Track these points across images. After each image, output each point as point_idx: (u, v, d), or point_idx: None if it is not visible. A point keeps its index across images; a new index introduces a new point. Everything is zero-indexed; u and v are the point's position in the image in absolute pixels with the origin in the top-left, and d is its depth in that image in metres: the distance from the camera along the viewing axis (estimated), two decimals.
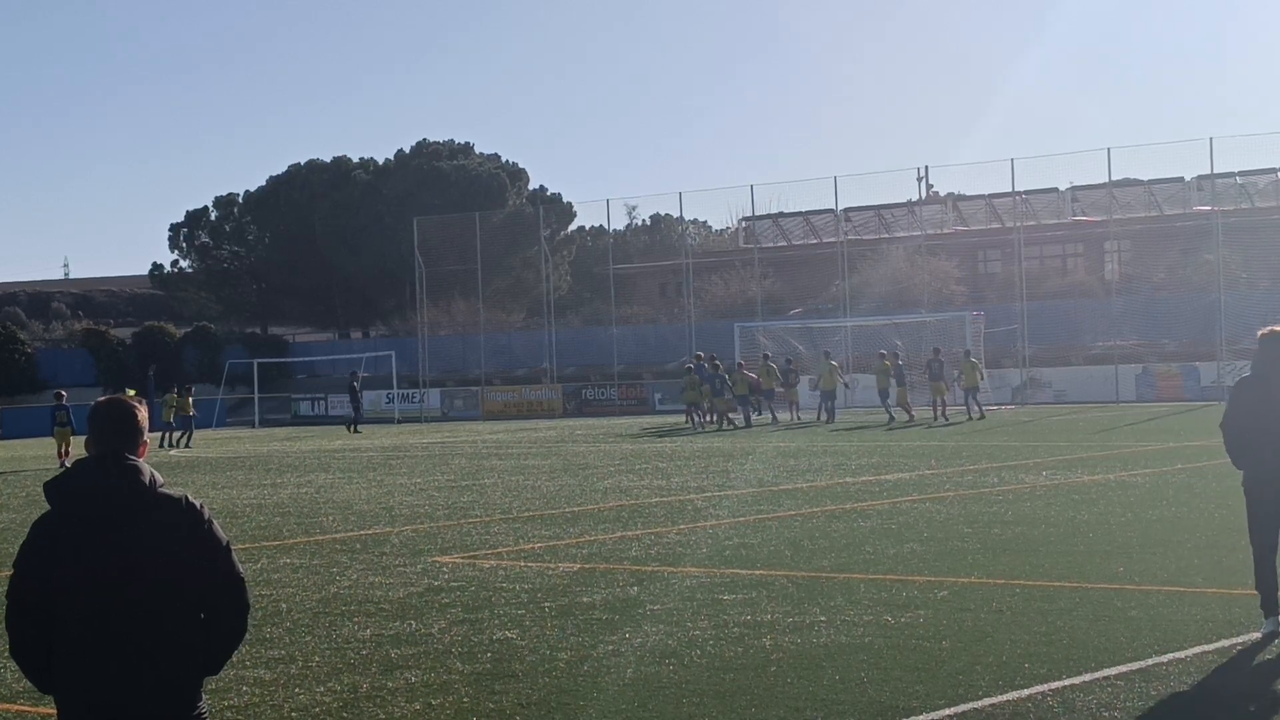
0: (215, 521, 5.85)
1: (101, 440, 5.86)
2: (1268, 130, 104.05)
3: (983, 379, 53.39)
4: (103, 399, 6.04)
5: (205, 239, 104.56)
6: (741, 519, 21.61)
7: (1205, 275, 66.19)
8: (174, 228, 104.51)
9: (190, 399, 54.61)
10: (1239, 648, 11.28)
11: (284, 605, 14.96)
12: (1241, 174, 72.14)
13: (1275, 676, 10.34)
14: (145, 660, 5.68)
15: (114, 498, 5.70)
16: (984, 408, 52.59)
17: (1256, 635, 11.63)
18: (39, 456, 47.04)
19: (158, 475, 5.82)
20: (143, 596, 5.66)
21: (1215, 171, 66.20)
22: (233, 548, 5.89)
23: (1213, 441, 35.07)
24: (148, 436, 5.99)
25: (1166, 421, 45.78)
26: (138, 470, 5.77)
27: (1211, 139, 63.85)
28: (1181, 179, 74.53)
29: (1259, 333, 12.22)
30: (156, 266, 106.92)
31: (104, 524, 5.68)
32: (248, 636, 12.95)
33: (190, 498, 5.83)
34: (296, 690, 11.08)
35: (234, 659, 12.07)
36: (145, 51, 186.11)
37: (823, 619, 13.04)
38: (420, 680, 11.22)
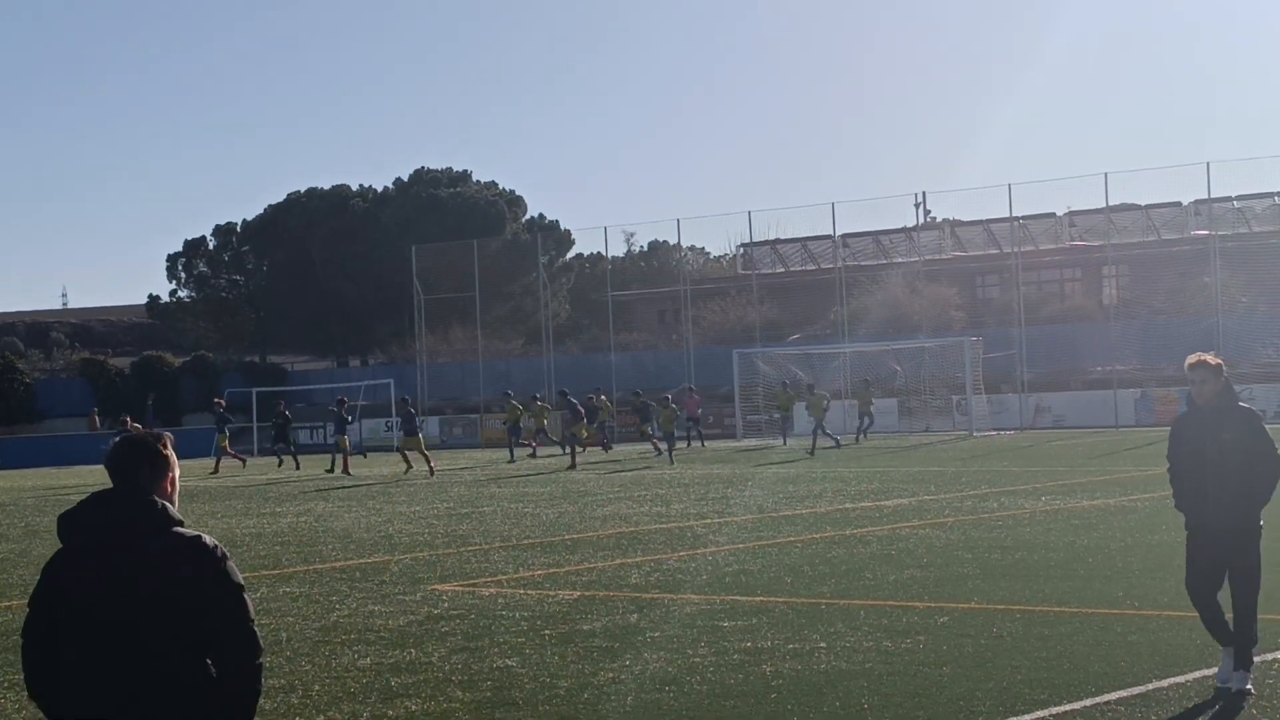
0: (231, 565, 5.79)
1: (117, 475, 5.85)
2: (1265, 155, 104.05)
3: (826, 410, 52.97)
4: (124, 436, 6.02)
5: (203, 268, 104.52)
6: (741, 545, 21.59)
7: (1203, 299, 66.27)
8: (172, 257, 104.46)
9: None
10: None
11: (284, 634, 14.94)
12: (1239, 198, 72.25)
13: (1275, 701, 10.34)
14: (142, 700, 5.64)
15: (120, 532, 5.68)
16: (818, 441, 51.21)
17: (1258, 659, 11.61)
18: (37, 488, 46.98)
19: (174, 513, 5.78)
20: (142, 633, 5.63)
21: (1212, 196, 66.31)
22: (249, 599, 5.84)
23: None
24: (175, 473, 5.94)
25: (1165, 446, 45.68)
26: (150, 505, 5.74)
27: (1209, 164, 63.95)
28: (1179, 203, 74.65)
29: (1187, 361, 11.41)
30: (154, 296, 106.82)
31: (108, 558, 5.66)
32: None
33: (206, 538, 5.75)
34: (296, 719, 11.06)
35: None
36: (143, 80, 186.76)
37: (823, 645, 13.03)
38: (420, 709, 11.20)
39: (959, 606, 14.91)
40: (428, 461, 46.38)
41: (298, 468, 52.41)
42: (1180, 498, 11.40)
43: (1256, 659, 11.19)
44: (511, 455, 54.49)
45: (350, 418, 51.45)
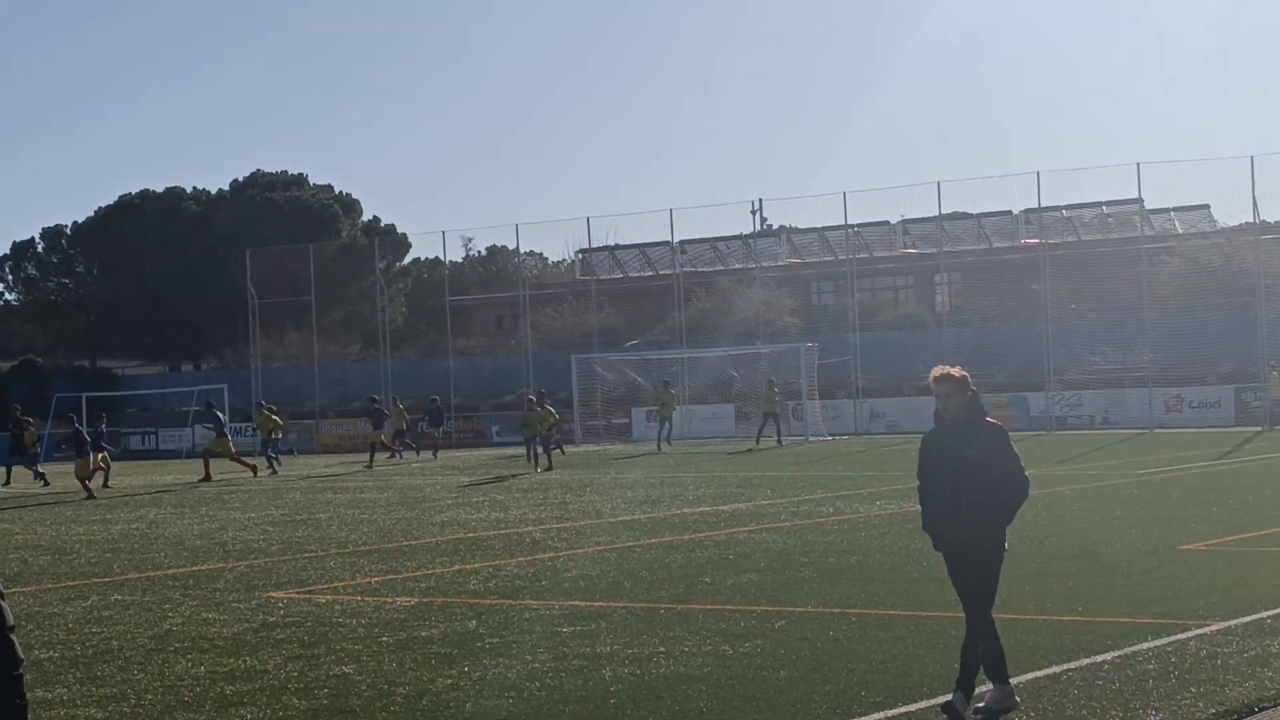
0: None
1: None
2: (1093, 165, 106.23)
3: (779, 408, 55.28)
4: None
5: (32, 271, 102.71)
6: (580, 550, 21.60)
7: (1033, 306, 67.43)
8: None
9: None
10: (1070, 674, 11.46)
11: (115, 642, 14.71)
12: (1068, 208, 73.53)
13: (1107, 703, 10.52)
14: None
15: None
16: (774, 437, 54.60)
17: (1087, 661, 11.83)
18: None
19: None
20: None
21: (1042, 205, 67.45)
22: (15, 638, 5.66)
23: (1040, 471, 35.74)
24: None
25: None
26: None
27: (1039, 173, 65.03)
28: (1010, 212, 75.85)
29: (931, 374, 10.84)
30: None
31: None
32: (79, 674, 12.70)
33: None
34: None
35: (64, 696, 11.91)
36: None
37: (661, 650, 13.07)
38: (256, 717, 11.08)
39: (796, 610, 15.02)
40: (243, 464, 46.25)
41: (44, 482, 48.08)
42: (924, 517, 10.85)
43: (1088, 679, 11.35)
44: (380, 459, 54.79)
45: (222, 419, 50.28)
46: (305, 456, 65.84)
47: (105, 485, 44.16)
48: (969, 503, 10.43)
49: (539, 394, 48.53)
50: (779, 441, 54.86)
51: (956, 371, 10.66)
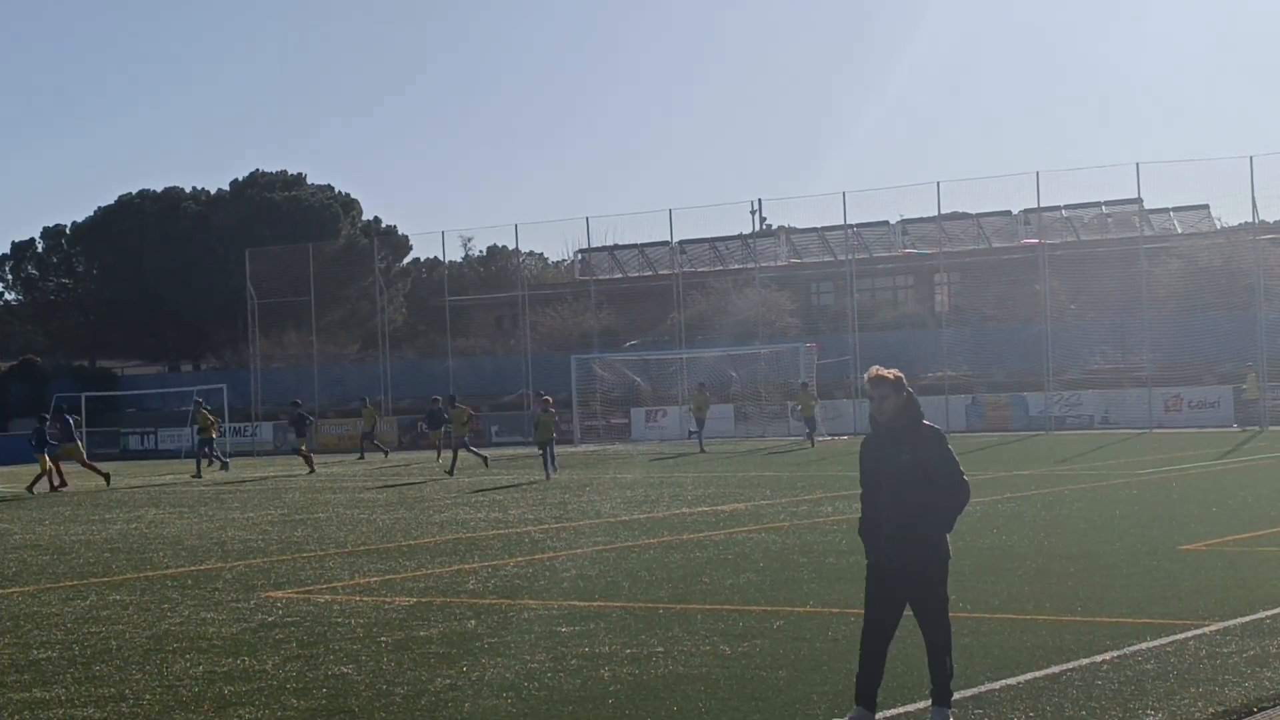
0: None
1: None
2: (1092, 165, 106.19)
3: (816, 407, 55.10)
4: None
5: (32, 270, 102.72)
6: (579, 550, 21.59)
7: (1032, 306, 67.45)
8: None
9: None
10: (1069, 674, 11.45)
11: (113, 642, 14.69)
12: (1067, 208, 73.60)
13: (1106, 703, 10.51)
14: None
15: None
16: (816, 438, 54.05)
17: (1086, 661, 11.81)
18: None
19: None
20: None
21: (1042, 205, 67.47)
22: None
23: (1040, 471, 35.75)
24: None
25: (995, 451, 46.49)
26: None
27: (1038, 173, 65.05)
28: (1009, 212, 75.91)
29: (865, 376, 10.35)
30: None
31: None
32: (77, 674, 12.68)
33: None
34: None
35: (63, 696, 11.90)
36: None
37: (660, 650, 13.05)
38: (254, 717, 11.06)
39: (795, 610, 15.01)
40: (95, 471, 46.12)
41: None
42: (861, 524, 10.38)
43: (1088, 679, 11.34)
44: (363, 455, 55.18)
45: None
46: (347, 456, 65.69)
47: (55, 487, 43.33)
48: (904, 512, 9.95)
49: (536, 395, 48.53)
50: (812, 443, 54.47)
51: (890, 373, 10.17)
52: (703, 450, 52.25)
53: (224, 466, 50.42)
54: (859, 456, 10.36)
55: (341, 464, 55.51)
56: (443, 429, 57.03)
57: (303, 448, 51.19)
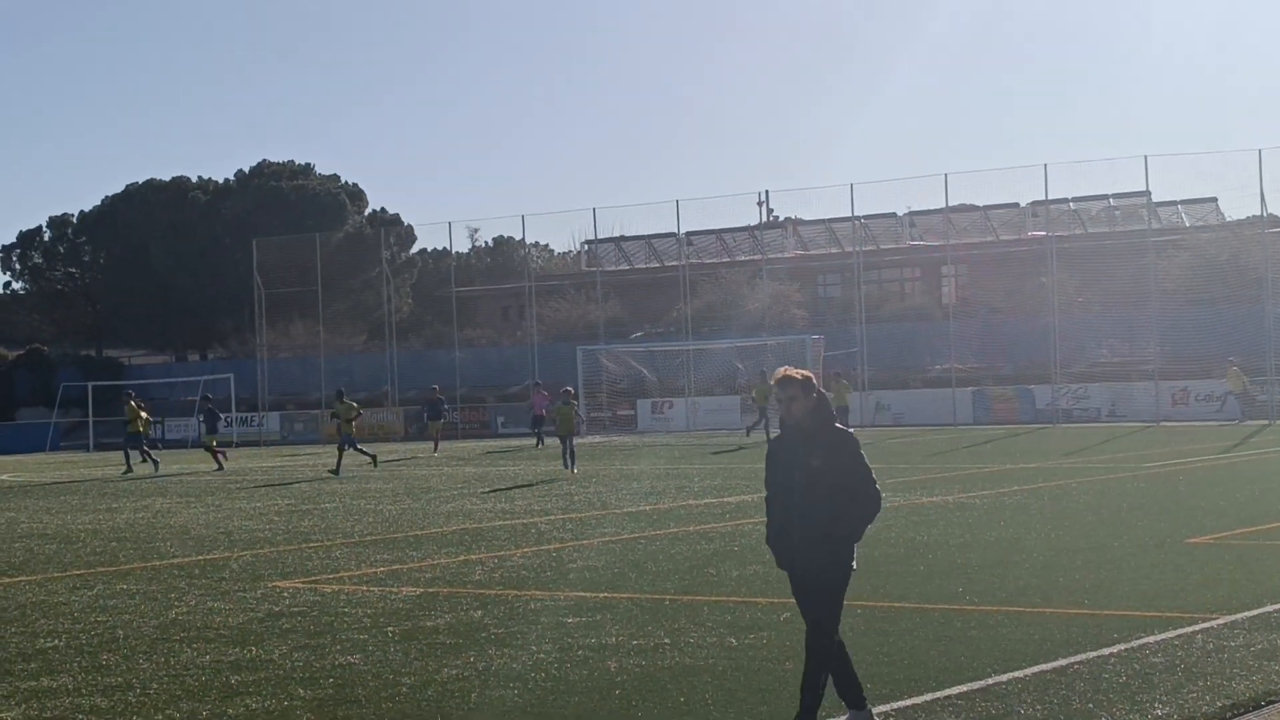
0: None
1: None
2: (1099, 157, 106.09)
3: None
4: None
5: (38, 259, 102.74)
6: (585, 542, 21.59)
7: (1040, 299, 67.35)
8: (5, 248, 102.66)
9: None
10: (1077, 667, 11.44)
11: (120, 632, 14.70)
12: (1075, 200, 73.54)
13: (1113, 696, 10.50)
14: None
15: None
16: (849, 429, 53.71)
17: (1094, 654, 11.80)
18: None
19: None
20: None
21: (1050, 198, 67.37)
22: None
23: (1047, 464, 35.73)
24: None
25: (1002, 444, 46.48)
26: None
27: (1045, 166, 65.00)
28: (1017, 204, 75.85)
29: (773, 376, 9.76)
30: None
31: None
32: (84, 663, 12.70)
33: None
34: (135, 718, 10.87)
35: (70, 685, 11.90)
36: None
37: (667, 641, 13.05)
38: (261, 707, 11.06)
39: None
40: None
41: None
42: (768, 530, 9.84)
43: (1094, 672, 11.31)
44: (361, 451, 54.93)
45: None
46: (310, 447, 65.80)
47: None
48: (810, 519, 9.42)
49: (533, 384, 47.70)
50: (766, 434, 54.02)
51: (799, 373, 9.59)
52: (769, 438, 51.37)
53: (155, 466, 47.05)
54: (766, 460, 9.80)
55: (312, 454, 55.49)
56: (441, 421, 56.88)
57: (213, 444, 48.40)
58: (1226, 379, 57.06)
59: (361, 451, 44.13)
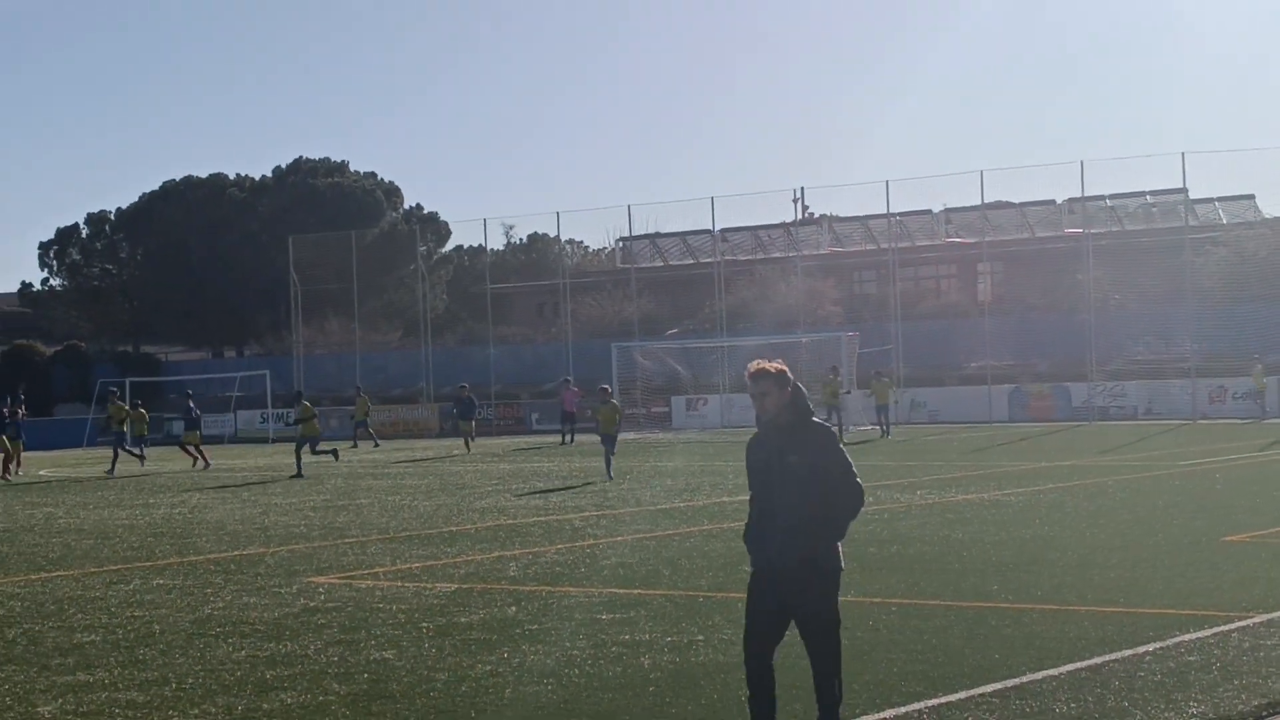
0: None
1: None
2: (1136, 155, 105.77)
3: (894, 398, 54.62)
4: None
5: (76, 256, 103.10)
6: (619, 538, 21.60)
7: (1076, 296, 67.10)
8: (44, 245, 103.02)
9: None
10: (1112, 665, 11.41)
11: (157, 626, 14.77)
12: (1111, 197, 73.24)
13: (1149, 695, 10.47)
14: None
15: None
16: (889, 425, 53.38)
17: (1129, 652, 11.76)
18: None
19: None
20: None
21: (1086, 195, 67.13)
22: None
23: (1083, 461, 35.61)
24: None
25: (1038, 441, 46.34)
26: None
27: (1082, 163, 64.73)
28: (1053, 201, 75.59)
29: (747, 370, 9.34)
30: (26, 285, 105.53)
31: None
32: (121, 658, 12.76)
33: None
34: (170, 713, 10.92)
35: (106, 680, 11.96)
36: (12, 64, 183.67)
37: (700, 638, 13.06)
38: (296, 702, 11.10)
39: None
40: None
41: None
42: (747, 530, 9.46)
43: (1129, 671, 11.29)
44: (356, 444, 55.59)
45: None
46: (344, 443, 65.90)
47: (4, 476, 43.52)
48: (790, 517, 9.06)
49: (563, 380, 47.62)
50: (885, 432, 53.63)
51: (773, 366, 9.22)
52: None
53: (142, 461, 47.68)
54: (745, 457, 9.50)
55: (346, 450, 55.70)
56: (473, 420, 56.91)
57: (197, 440, 48.63)
58: (1252, 377, 56.87)
59: (322, 452, 44.57)
